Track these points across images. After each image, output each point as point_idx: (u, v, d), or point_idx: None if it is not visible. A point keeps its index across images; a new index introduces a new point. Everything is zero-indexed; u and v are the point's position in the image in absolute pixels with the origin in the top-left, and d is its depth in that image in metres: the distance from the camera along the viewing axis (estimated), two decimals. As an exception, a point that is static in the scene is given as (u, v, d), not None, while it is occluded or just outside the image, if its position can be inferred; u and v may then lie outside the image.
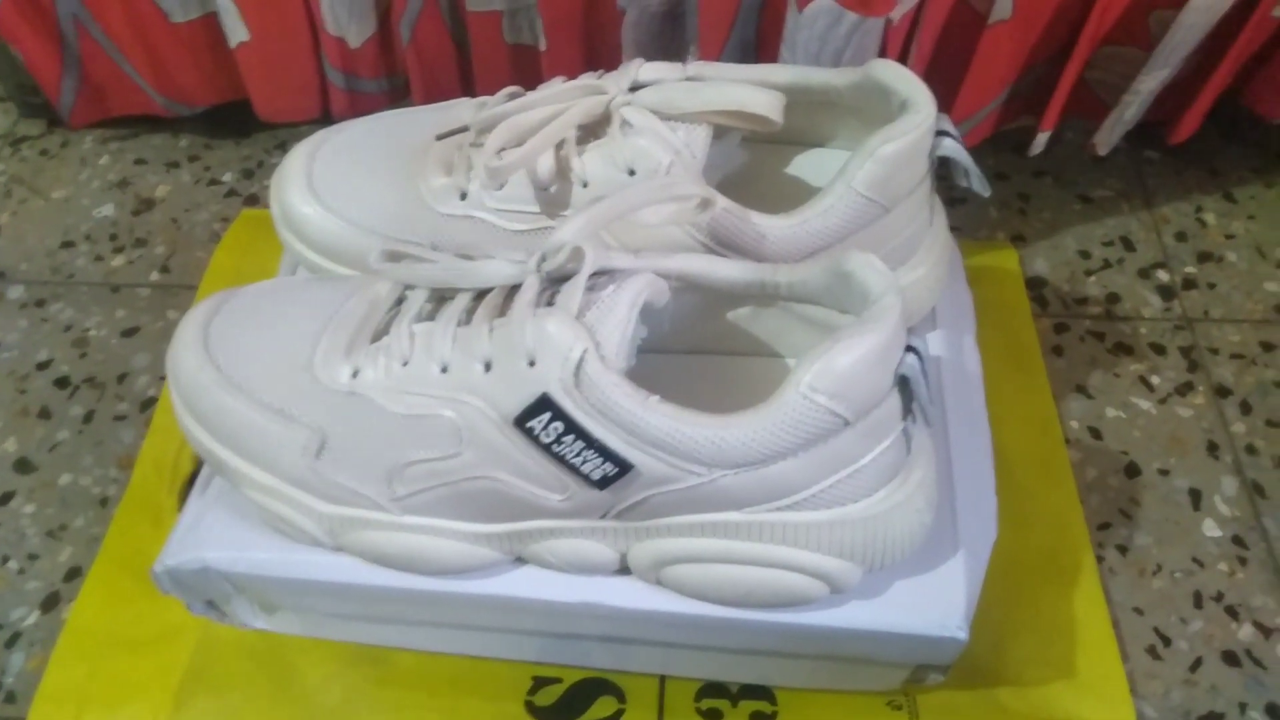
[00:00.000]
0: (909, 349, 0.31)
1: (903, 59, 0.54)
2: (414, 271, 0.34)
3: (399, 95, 0.62)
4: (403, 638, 0.44)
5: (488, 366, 0.31)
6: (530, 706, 0.45)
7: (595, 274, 0.31)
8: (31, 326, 0.59)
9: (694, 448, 0.30)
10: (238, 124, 0.67)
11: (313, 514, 0.35)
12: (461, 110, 0.41)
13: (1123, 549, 0.50)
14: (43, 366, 0.57)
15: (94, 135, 0.69)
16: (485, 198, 0.39)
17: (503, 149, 0.36)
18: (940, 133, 0.37)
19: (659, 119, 0.36)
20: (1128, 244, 0.63)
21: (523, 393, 0.30)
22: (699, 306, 0.37)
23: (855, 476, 0.32)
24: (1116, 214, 0.65)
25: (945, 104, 0.57)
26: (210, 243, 0.63)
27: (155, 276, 0.61)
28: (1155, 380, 0.57)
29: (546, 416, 0.30)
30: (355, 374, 0.33)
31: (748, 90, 0.36)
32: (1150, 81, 0.54)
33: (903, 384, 0.31)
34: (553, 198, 0.38)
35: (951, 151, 0.37)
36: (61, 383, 0.56)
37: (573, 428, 0.30)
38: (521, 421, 0.30)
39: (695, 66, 0.38)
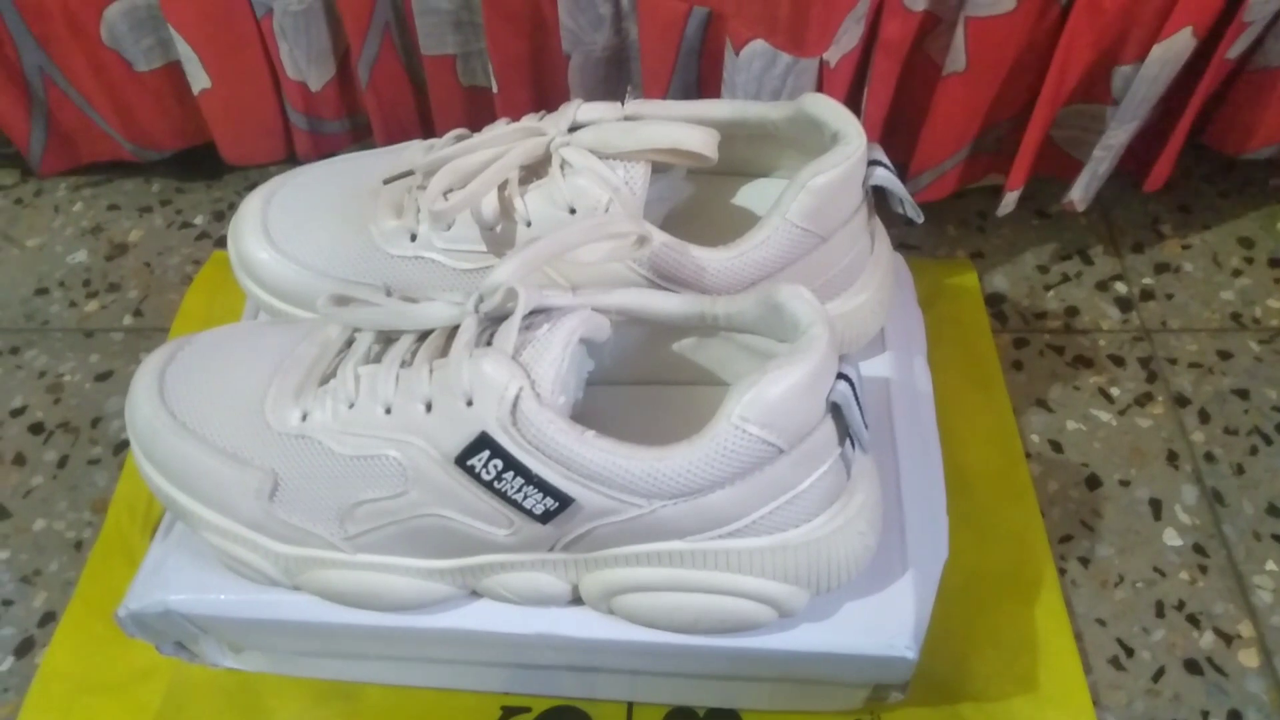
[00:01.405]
0: (841, 376, 0.32)
1: (854, 103, 0.55)
2: (358, 315, 0.35)
3: (361, 135, 0.63)
4: (371, 673, 0.45)
5: (429, 407, 0.32)
6: (499, 738, 0.45)
7: (532, 313, 0.32)
8: (6, 374, 0.60)
9: (631, 480, 0.31)
10: (209, 167, 0.69)
11: (269, 555, 0.36)
12: (412, 153, 0.42)
13: (1084, 561, 0.51)
14: (17, 413, 0.58)
15: (67, 183, 0.70)
16: (434, 239, 0.40)
17: (447, 191, 0.37)
18: (873, 162, 0.38)
19: (597, 158, 0.37)
20: (1085, 258, 0.64)
21: (462, 432, 0.31)
22: (643, 339, 0.38)
23: (794, 503, 0.33)
24: (1074, 229, 0.66)
25: (904, 154, 0.58)
26: (182, 285, 0.64)
27: (128, 320, 0.62)
28: (1115, 392, 0.57)
29: (486, 454, 0.31)
30: (304, 417, 0.34)
31: (682, 129, 0.37)
32: (1120, 135, 0.55)
33: (836, 411, 0.32)
34: (498, 237, 0.39)
35: (884, 181, 0.38)
36: (36, 429, 0.57)
37: (512, 464, 0.31)
38: (462, 460, 0.31)
39: (633, 105, 0.39)
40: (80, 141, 0.66)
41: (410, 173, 0.39)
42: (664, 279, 0.38)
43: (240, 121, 0.62)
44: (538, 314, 0.32)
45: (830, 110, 0.38)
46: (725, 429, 0.30)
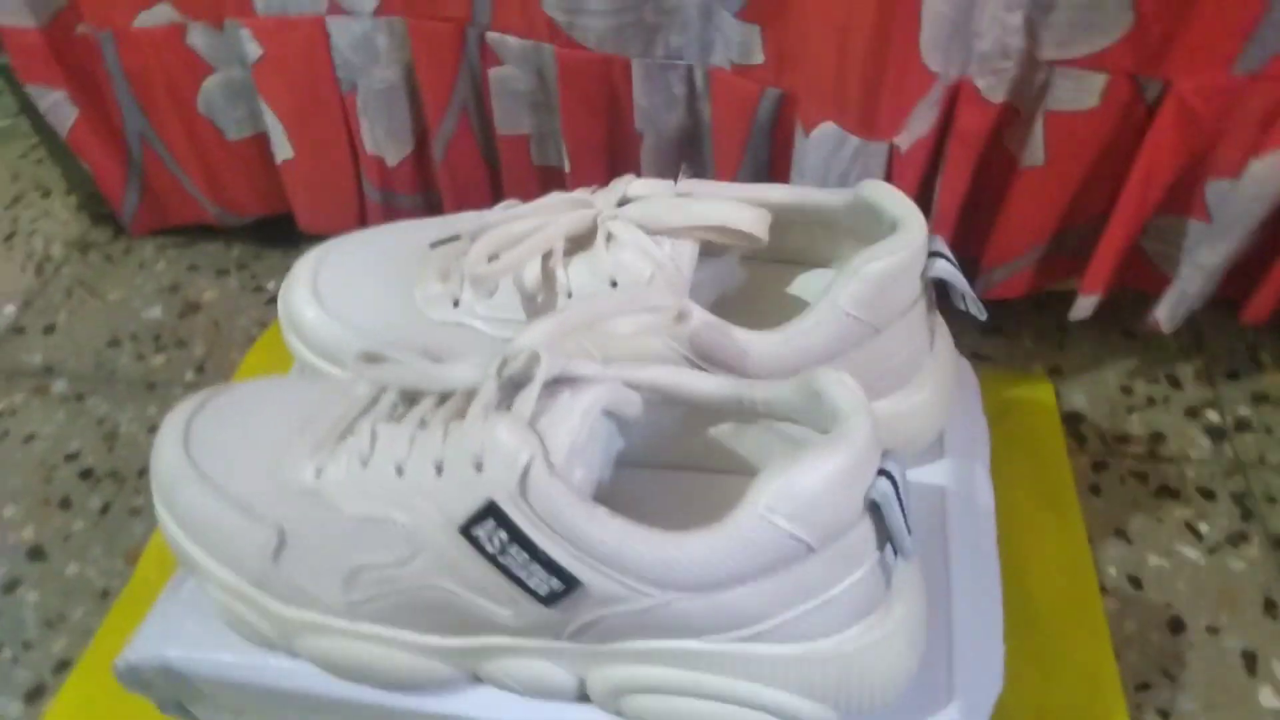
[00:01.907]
0: (883, 473, 0.29)
1: (925, 192, 0.53)
2: (385, 373, 0.34)
3: (433, 210, 0.64)
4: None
5: (439, 470, 0.30)
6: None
7: (556, 381, 0.31)
8: (68, 419, 0.61)
9: (644, 566, 0.29)
10: (286, 235, 0.70)
11: (269, 615, 0.35)
12: (465, 222, 0.42)
13: (1164, 714, 0.46)
14: (71, 458, 0.59)
15: (155, 242, 0.73)
16: (476, 305, 0.39)
17: (491, 257, 0.36)
18: (935, 254, 0.36)
19: (644, 233, 0.36)
20: (1174, 381, 0.60)
21: (469, 498, 0.29)
22: (678, 421, 0.36)
23: (824, 609, 0.30)
24: (1163, 350, 0.62)
25: (977, 247, 0.56)
26: (246, 345, 0.65)
27: (190, 376, 0.63)
28: (1203, 528, 0.52)
29: (491, 524, 0.29)
30: (319, 473, 0.33)
31: (732, 207, 0.36)
32: (1213, 256, 0.52)
33: (875, 510, 0.29)
34: (539, 307, 0.38)
35: (945, 273, 0.36)
36: (86, 474, 0.58)
37: (517, 538, 0.29)
38: (467, 529, 0.29)
39: (686, 184, 0.38)
40: (169, 204, 0.69)
41: (457, 237, 0.39)
42: (704, 359, 0.36)
43: (317, 191, 0.63)
44: (562, 382, 0.31)
45: (890, 197, 0.36)
46: (750, 518, 0.28)
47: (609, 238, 0.36)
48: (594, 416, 0.30)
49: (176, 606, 0.38)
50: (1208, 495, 0.54)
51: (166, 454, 0.36)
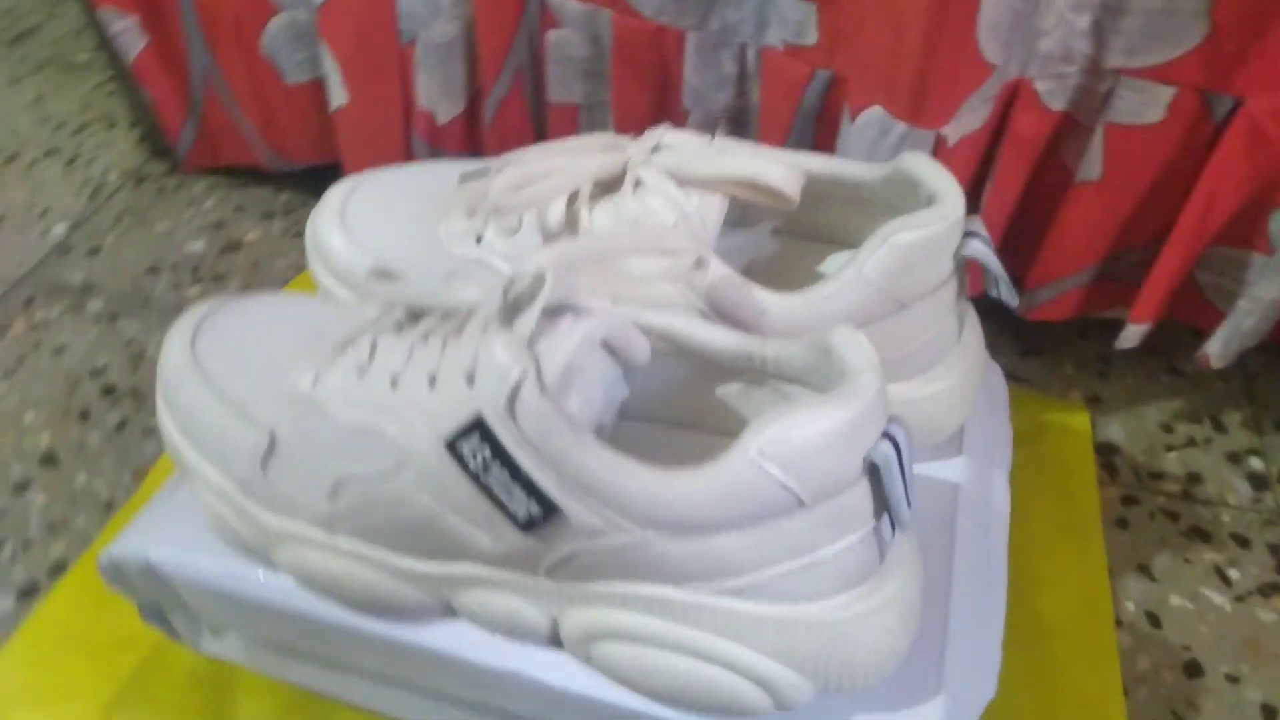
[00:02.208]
0: (887, 436, 0.28)
1: (973, 198, 0.52)
2: (392, 289, 0.33)
3: (479, 172, 0.64)
4: (343, 688, 0.42)
5: (433, 383, 0.30)
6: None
7: (561, 307, 0.30)
8: (99, 337, 0.62)
9: (625, 499, 0.28)
10: (335, 186, 0.71)
11: (252, 522, 0.34)
12: (500, 161, 0.42)
13: (1170, 757, 0.43)
14: (96, 373, 0.59)
15: (206, 181, 0.74)
16: (498, 243, 0.38)
17: (517, 188, 0.36)
18: (970, 234, 0.35)
19: (673, 183, 0.36)
20: (1218, 425, 0.58)
21: (458, 412, 0.28)
22: (686, 376, 0.35)
23: (810, 571, 0.29)
24: (1210, 392, 0.59)
25: (1024, 263, 0.54)
26: (280, 287, 0.65)
27: (223, 311, 0.64)
28: (1234, 574, 0.50)
29: (477, 440, 0.28)
30: (316, 380, 0.33)
31: (764, 162, 0.35)
32: (1272, 289, 0.50)
33: (874, 474, 0.28)
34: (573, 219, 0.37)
35: (979, 254, 0.35)
36: (108, 390, 0.58)
37: (500, 455, 0.28)
38: (453, 443, 0.29)
39: (722, 141, 0.37)
40: (224, 143, 0.70)
41: (488, 171, 0.39)
42: (720, 315, 0.35)
43: (367, 141, 0.64)
44: (566, 309, 0.30)
45: (929, 170, 0.35)
46: (741, 461, 0.27)
47: (637, 183, 0.36)
48: (593, 345, 0.29)
49: (166, 508, 0.38)
50: (1242, 543, 0.51)
51: (173, 350, 0.36)
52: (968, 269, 0.37)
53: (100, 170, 0.75)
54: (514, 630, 0.33)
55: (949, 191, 0.34)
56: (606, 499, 0.28)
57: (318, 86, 0.63)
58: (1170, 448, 0.56)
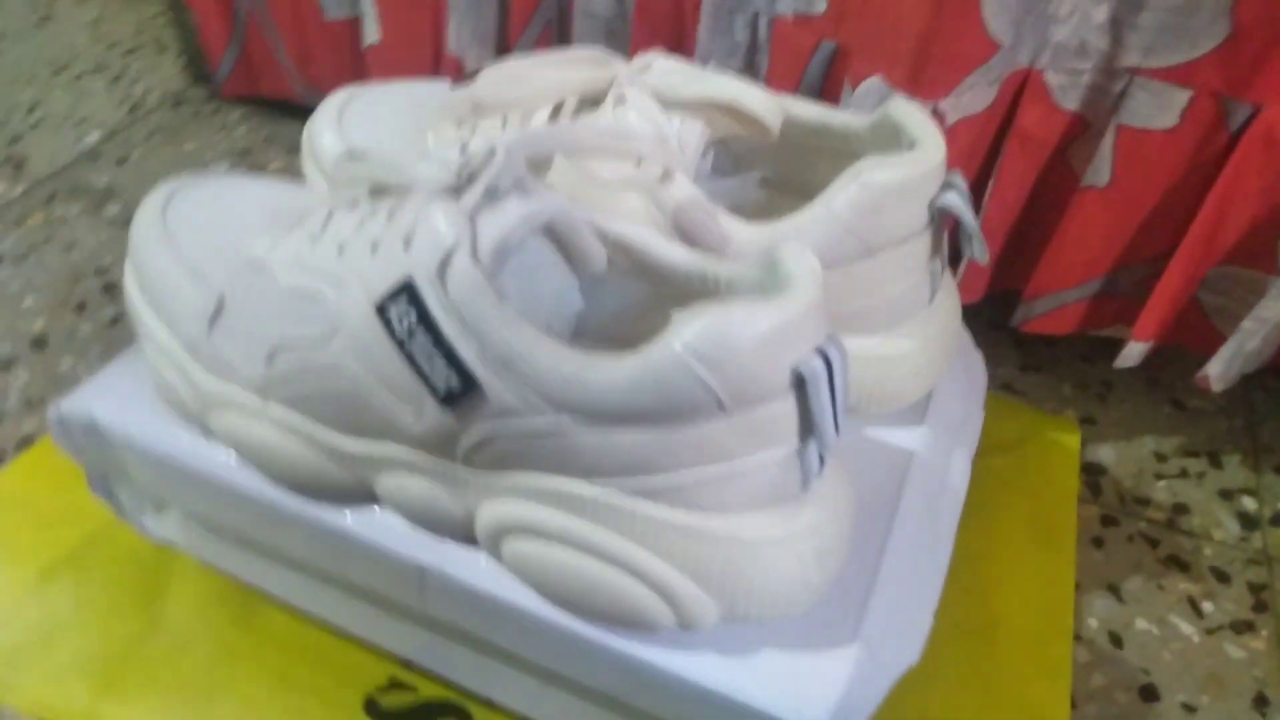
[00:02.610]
0: (820, 353, 0.27)
1: (974, 196, 0.51)
2: (358, 168, 0.34)
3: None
4: (274, 581, 0.41)
5: (374, 249, 0.29)
6: (371, 706, 0.40)
7: (511, 190, 0.30)
8: (110, 238, 0.63)
9: (543, 378, 0.27)
10: (362, 128, 0.72)
11: (195, 386, 0.34)
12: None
13: (1110, 776, 0.41)
14: (100, 271, 0.60)
15: (242, 110, 0.75)
16: (481, 152, 0.39)
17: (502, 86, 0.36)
18: (948, 185, 0.34)
19: (657, 103, 0.35)
20: (1215, 460, 0.56)
21: (391, 275, 0.28)
22: (645, 298, 0.34)
23: (725, 482, 0.28)
24: (1211, 428, 0.57)
25: (1023, 271, 0.53)
26: (293, 215, 0.66)
27: (234, 230, 0.65)
28: (1207, 607, 0.48)
29: (404, 303, 0.28)
30: (269, 247, 0.33)
31: (747, 88, 0.34)
32: (1278, 310, 0.49)
33: (800, 388, 0.27)
34: (541, 164, 0.37)
35: (953, 206, 0.34)
36: (108, 288, 0.59)
37: (425, 321, 0.28)
38: (383, 306, 0.28)
39: (713, 69, 0.37)
40: (262, 72, 0.71)
41: (478, 72, 0.39)
42: (684, 237, 0.34)
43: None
44: (516, 191, 0.30)
45: (914, 118, 0.34)
46: (662, 353, 0.26)
47: (620, 100, 0.36)
48: (534, 226, 0.29)
49: (120, 371, 0.38)
50: (1221, 577, 0.49)
51: (145, 212, 0.36)
52: (945, 235, 0.36)
53: (142, 90, 0.77)
54: (431, 519, 0.32)
55: (929, 138, 0.33)
56: (525, 376, 0.27)
57: (355, 24, 0.64)
58: (1160, 476, 0.54)
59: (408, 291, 0.28)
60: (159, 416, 0.36)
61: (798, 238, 0.34)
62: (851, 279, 0.35)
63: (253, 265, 0.33)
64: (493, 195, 0.29)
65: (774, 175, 0.41)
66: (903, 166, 0.33)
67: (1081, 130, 0.47)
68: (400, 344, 0.29)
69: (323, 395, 0.32)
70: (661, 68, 0.36)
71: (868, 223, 0.33)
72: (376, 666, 0.41)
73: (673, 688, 0.31)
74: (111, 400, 0.37)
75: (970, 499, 0.40)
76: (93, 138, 0.71)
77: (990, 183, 0.49)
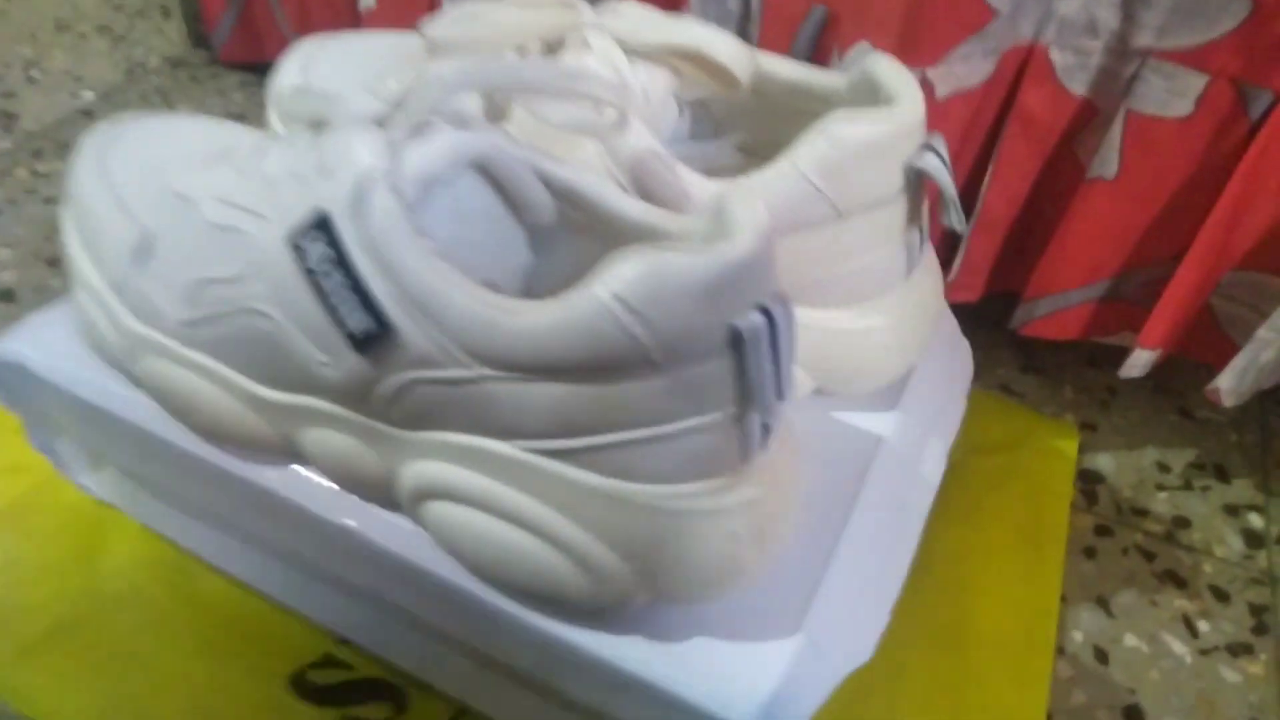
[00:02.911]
0: (762, 310, 0.25)
1: (971, 187, 0.48)
2: (299, 101, 0.32)
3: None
4: (213, 547, 0.40)
5: (296, 181, 0.28)
6: (299, 680, 0.38)
7: (446, 121, 0.28)
8: (92, 195, 0.62)
9: (460, 323, 0.25)
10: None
11: (119, 328, 0.33)
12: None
13: (1085, 800, 0.38)
14: (78, 227, 0.59)
15: (240, 77, 0.74)
16: (440, 101, 0.37)
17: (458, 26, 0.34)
18: (928, 148, 0.32)
19: (621, 50, 0.33)
20: (1222, 474, 0.52)
21: (307, 206, 0.26)
22: (590, 258, 0.32)
23: (651, 446, 0.26)
24: (1220, 441, 0.54)
25: (1024, 269, 0.50)
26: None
27: (218, 193, 0.64)
28: (1203, 626, 0.45)
29: (318, 236, 0.26)
30: (198, 180, 0.31)
31: (714, 35, 0.32)
32: None
33: (737, 346, 0.25)
34: (499, 108, 0.35)
35: (930, 168, 0.31)
36: (83, 244, 0.58)
37: (339, 256, 0.26)
38: (295, 238, 0.27)
39: (684, 16, 0.35)
40: (262, 36, 0.70)
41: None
42: (641, 192, 0.32)
43: (387, 45, 0.63)
44: (449, 124, 0.28)
45: (892, 73, 0.32)
46: (585, 300, 0.24)
47: (583, 44, 0.33)
48: (463, 160, 0.27)
49: (55, 314, 0.37)
50: (1220, 596, 0.46)
51: (85, 145, 0.35)
52: (926, 205, 0.34)
53: (142, 52, 0.76)
54: (353, 479, 0.30)
55: (906, 94, 0.31)
56: (441, 321, 0.25)
57: (351, -14, 0.63)
58: (1162, 487, 0.51)
59: (322, 224, 0.26)
60: (88, 364, 0.35)
61: (762, 196, 0.31)
62: (819, 243, 0.32)
63: (179, 199, 0.31)
64: (421, 127, 0.27)
65: (753, 140, 0.39)
66: (877, 122, 0.30)
67: (1089, 115, 0.44)
68: (314, 282, 0.27)
69: (242, 340, 0.30)
70: (629, 12, 0.34)
71: (836, 182, 0.31)
72: (313, 641, 0.39)
73: (596, 671, 0.29)
74: (42, 345, 0.35)
75: (956, 499, 0.37)
76: (87, 96, 0.70)
77: (990, 168, 0.47)
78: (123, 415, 0.34)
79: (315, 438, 0.30)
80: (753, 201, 0.26)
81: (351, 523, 0.31)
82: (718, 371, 0.25)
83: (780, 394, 0.26)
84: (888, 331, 0.34)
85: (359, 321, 0.26)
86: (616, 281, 0.24)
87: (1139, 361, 0.49)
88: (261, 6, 0.68)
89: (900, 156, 0.31)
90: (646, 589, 0.27)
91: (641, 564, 0.27)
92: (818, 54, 0.46)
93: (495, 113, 0.34)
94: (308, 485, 0.32)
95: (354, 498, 0.31)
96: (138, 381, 0.33)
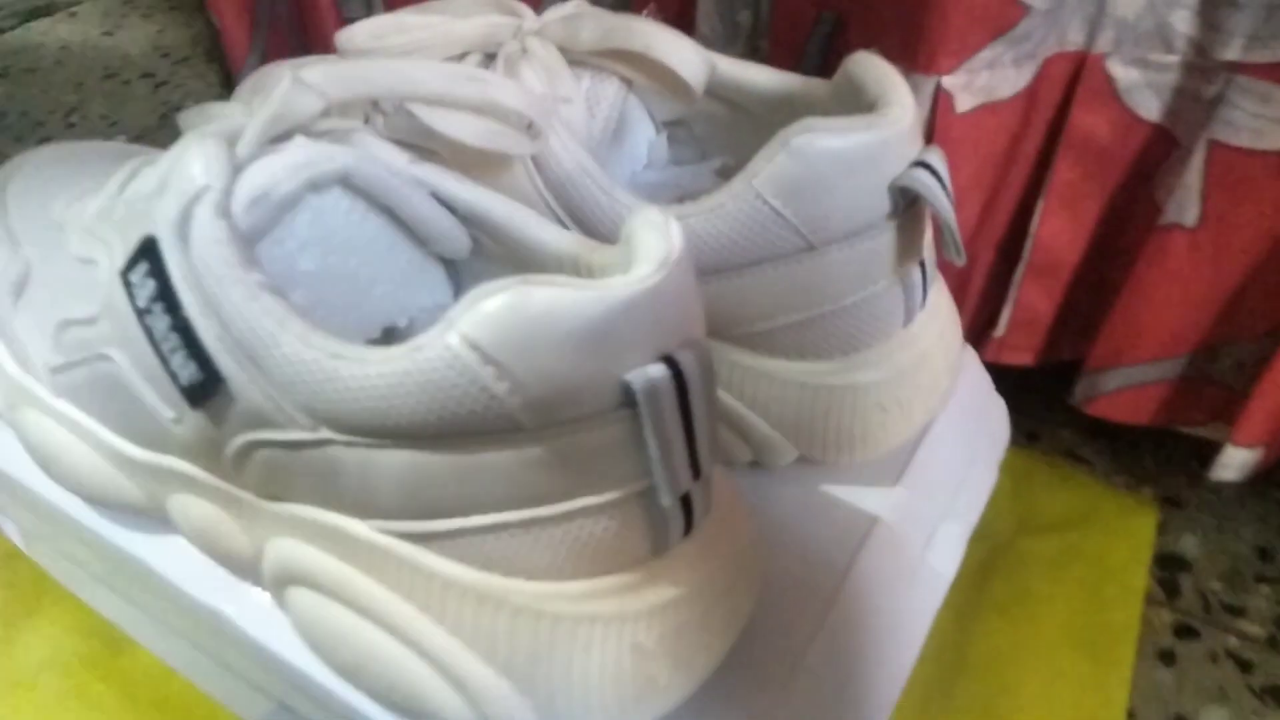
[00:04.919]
0: (668, 362, 0.19)
1: (1017, 229, 0.41)
2: (191, 117, 0.28)
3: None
4: (130, 622, 0.36)
5: (143, 200, 0.24)
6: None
7: (309, 135, 0.23)
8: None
9: (291, 375, 0.20)
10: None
11: (2, 374, 0.29)
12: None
13: None
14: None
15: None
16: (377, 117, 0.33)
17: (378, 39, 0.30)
18: (922, 164, 0.26)
19: (563, 57, 0.29)
20: (1342, 566, 0.43)
21: (139, 231, 0.22)
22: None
23: (529, 532, 0.20)
24: (1339, 524, 0.45)
25: (1084, 334, 0.43)
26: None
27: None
28: (1315, 760, 0.36)
29: (145, 267, 0.22)
30: (69, 205, 0.28)
31: (664, 35, 0.27)
32: None
33: (629, 403, 0.19)
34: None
35: (922, 187, 0.25)
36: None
37: (164, 289, 0.21)
38: (126, 272, 0.22)
39: (632, 16, 0.30)
40: (284, 76, 0.68)
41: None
42: (574, 220, 0.27)
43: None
44: (313, 138, 0.23)
45: (875, 73, 0.26)
46: (432, 346, 0.19)
47: (521, 52, 0.29)
48: (313, 176, 0.22)
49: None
50: (1338, 721, 0.37)
51: (8, 168, 0.32)
52: (929, 234, 0.28)
53: (180, 96, 0.76)
54: (219, 552, 0.26)
55: (894, 96, 0.25)
56: (270, 371, 0.21)
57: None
58: (1263, 579, 0.42)
59: (148, 251, 0.22)
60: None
61: (713, 218, 0.26)
62: (789, 280, 0.26)
63: (53, 227, 0.28)
64: (279, 140, 0.23)
65: (735, 162, 0.33)
66: (850, 131, 0.25)
67: (1167, 153, 0.37)
68: (144, 323, 0.22)
69: (100, 389, 0.26)
70: (577, 16, 0.30)
71: (802, 206, 0.25)
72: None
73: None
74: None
75: (1001, 587, 0.31)
76: (119, 140, 0.70)
77: (1040, 202, 0.40)
78: (8, 471, 0.31)
79: (179, 504, 0.26)
80: (665, 226, 0.20)
81: (226, 606, 0.26)
82: (611, 438, 0.20)
83: (697, 467, 0.20)
84: (882, 389, 0.28)
85: (186, 370, 0.22)
86: (469, 323, 0.19)
87: (1233, 461, 0.40)
88: (284, 47, 0.66)
89: (884, 173, 0.25)
90: (536, 712, 0.22)
91: (525, 682, 0.21)
92: (830, 64, 0.40)
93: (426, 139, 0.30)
94: (181, 557, 0.27)
95: (228, 575, 0.27)
96: (18, 433, 0.30)
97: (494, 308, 0.19)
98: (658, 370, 0.19)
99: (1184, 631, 0.40)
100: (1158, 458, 0.48)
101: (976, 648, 0.38)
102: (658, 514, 0.21)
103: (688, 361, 0.20)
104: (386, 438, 0.20)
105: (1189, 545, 0.44)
